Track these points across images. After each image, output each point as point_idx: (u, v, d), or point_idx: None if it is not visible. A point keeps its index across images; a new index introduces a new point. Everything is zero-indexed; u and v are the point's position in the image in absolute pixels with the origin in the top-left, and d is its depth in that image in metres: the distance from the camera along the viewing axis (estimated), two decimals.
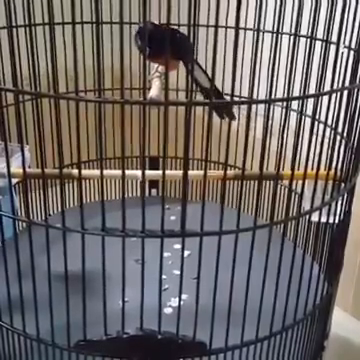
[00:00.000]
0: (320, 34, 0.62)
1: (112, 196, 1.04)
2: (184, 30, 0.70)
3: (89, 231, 0.47)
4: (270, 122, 0.89)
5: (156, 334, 0.51)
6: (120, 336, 0.51)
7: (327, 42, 0.51)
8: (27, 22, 0.76)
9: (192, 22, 0.41)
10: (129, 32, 0.91)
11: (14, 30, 0.78)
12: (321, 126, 0.57)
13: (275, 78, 0.58)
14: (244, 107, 0.90)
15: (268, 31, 0.78)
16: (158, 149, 0.96)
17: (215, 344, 0.53)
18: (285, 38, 0.77)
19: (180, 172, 0.46)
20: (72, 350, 0.54)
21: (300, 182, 0.54)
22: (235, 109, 0.92)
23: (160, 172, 0.48)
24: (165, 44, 0.40)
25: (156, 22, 0.84)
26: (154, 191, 1.06)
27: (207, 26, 0.88)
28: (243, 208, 0.93)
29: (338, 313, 1.08)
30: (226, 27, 0.87)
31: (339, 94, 0.53)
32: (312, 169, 0.55)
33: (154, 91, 0.64)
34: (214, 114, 0.82)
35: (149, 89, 0.67)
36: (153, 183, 1.06)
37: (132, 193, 1.05)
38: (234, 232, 0.47)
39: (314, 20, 0.49)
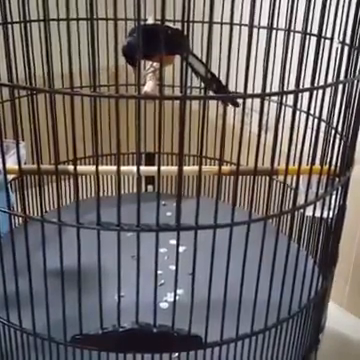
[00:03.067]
0: (314, 29, 0.62)
1: (108, 193, 1.04)
2: (179, 26, 0.70)
3: (84, 225, 0.47)
4: (266, 118, 0.90)
5: (151, 328, 0.52)
6: (116, 330, 0.52)
7: (321, 37, 0.51)
8: (22, 18, 0.76)
9: (186, 18, 0.41)
10: (125, 28, 0.92)
11: (9, 26, 0.78)
12: (316, 121, 0.57)
13: (270, 73, 0.59)
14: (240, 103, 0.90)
15: (263, 27, 0.78)
16: (154, 145, 0.97)
17: (210, 338, 0.53)
18: (280, 33, 0.77)
19: (175, 168, 0.47)
20: (68, 344, 0.54)
21: (295, 177, 0.54)
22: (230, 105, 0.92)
23: (155, 168, 0.48)
24: (158, 41, 0.40)
25: (150, 18, 0.84)
26: (150, 187, 1.06)
27: (202, 22, 0.89)
28: (238, 204, 0.93)
29: (333, 308, 1.09)
30: (221, 23, 0.87)
31: (333, 88, 0.53)
32: (307, 164, 0.55)
33: (149, 86, 0.64)
34: (210, 107, 0.82)
35: (144, 85, 0.67)
36: (150, 179, 1.06)
37: (128, 189, 1.06)
38: (229, 225, 0.48)
39: (308, 15, 0.50)
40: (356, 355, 1.04)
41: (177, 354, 0.57)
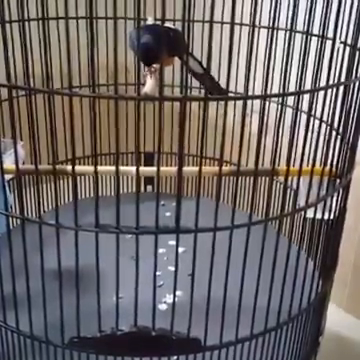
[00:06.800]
0: (316, 30, 0.61)
1: (107, 193, 1.03)
2: (179, 26, 0.70)
3: (83, 228, 0.46)
4: (266, 118, 0.89)
5: (150, 331, 0.51)
6: (114, 333, 0.51)
7: (323, 38, 0.50)
8: (20, 17, 0.76)
9: (186, 18, 0.41)
10: (124, 27, 0.91)
11: (7, 25, 0.77)
12: (317, 122, 0.56)
13: (271, 74, 0.58)
14: (240, 104, 0.90)
15: (264, 27, 0.78)
16: (153, 145, 0.96)
17: (210, 341, 0.53)
18: (281, 34, 0.77)
19: (175, 168, 0.46)
20: (66, 347, 0.53)
21: (296, 178, 0.53)
22: (231, 106, 0.92)
23: (154, 168, 0.48)
24: (160, 43, 0.40)
25: (150, 18, 0.84)
26: (149, 187, 1.06)
27: (203, 22, 0.88)
28: (238, 205, 0.93)
29: (333, 309, 1.08)
30: (222, 23, 0.86)
31: (335, 90, 0.53)
32: (308, 165, 0.55)
33: (148, 86, 0.63)
34: (210, 107, 0.82)
35: (144, 85, 0.66)
36: (149, 179, 1.06)
37: (127, 190, 1.05)
38: (229, 228, 0.47)
39: (310, 15, 0.49)
40: (356, 357, 1.03)
41: (176, 357, 0.57)
